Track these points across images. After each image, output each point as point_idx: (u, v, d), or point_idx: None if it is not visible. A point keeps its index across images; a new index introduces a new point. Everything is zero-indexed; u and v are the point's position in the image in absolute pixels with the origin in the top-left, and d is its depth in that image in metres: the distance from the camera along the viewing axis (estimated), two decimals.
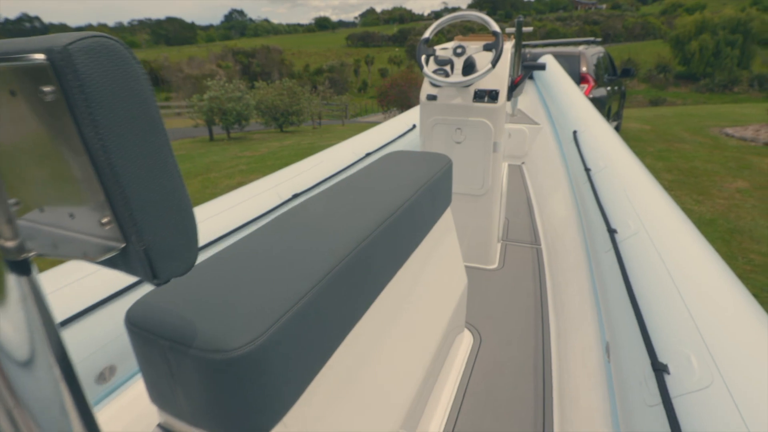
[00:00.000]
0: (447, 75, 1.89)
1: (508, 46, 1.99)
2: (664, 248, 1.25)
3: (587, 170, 2.06)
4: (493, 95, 1.88)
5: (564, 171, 2.71)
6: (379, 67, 62.23)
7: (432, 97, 1.98)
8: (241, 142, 12.16)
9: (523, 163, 3.64)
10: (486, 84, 1.90)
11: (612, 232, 1.49)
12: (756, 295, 1.64)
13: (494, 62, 1.74)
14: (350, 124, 21.16)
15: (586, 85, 5.63)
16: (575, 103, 2.96)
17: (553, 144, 3.24)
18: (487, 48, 1.80)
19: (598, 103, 5.85)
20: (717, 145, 7.57)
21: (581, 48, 6.13)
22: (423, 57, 1.88)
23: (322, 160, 2.34)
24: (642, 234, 1.37)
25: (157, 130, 0.37)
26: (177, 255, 0.40)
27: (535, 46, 7.11)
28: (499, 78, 1.90)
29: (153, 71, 49.66)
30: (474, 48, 1.87)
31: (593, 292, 1.54)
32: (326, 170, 2.27)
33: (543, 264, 2.22)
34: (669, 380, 0.82)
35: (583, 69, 5.73)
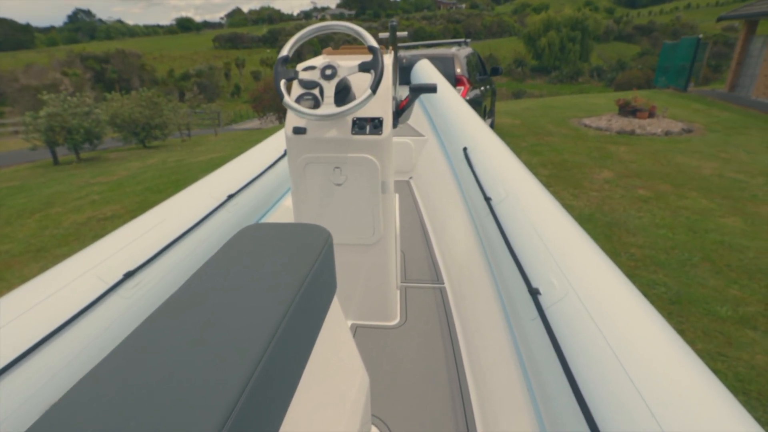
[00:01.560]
0: (316, 103, 1.46)
1: (389, 62, 1.62)
2: (605, 321, 0.99)
3: (487, 199, 1.79)
4: (376, 124, 1.50)
5: (458, 190, 2.45)
6: (252, 69, 59.80)
7: (300, 130, 1.53)
8: (94, 164, 10.56)
9: (410, 178, 3.36)
10: (366, 111, 1.52)
11: (535, 293, 1.20)
12: (645, 293, 1.60)
13: (374, 87, 1.36)
14: (224, 132, 19.81)
15: (462, 87, 5.58)
16: (461, 115, 2.72)
17: (441, 158, 2.99)
18: (363, 68, 1.41)
19: (475, 103, 5.87)
20: (579, 136, 8.14)
21: (453, 49, 6.10)
22: (282, 82, 1.41)
23: (165, 216, 1.75)
24: (572, 298, 1.10)
25: None
26: None
27: (409, 47, 6.99)
28: (381, 102, 1.53)
29: None
30: (347, 66, 1.46)
31: (521, 369, 1.23)
32: (173, 228, 1.70)
33: (450, 312, 1.91)
34: None
35: (458, 71, 5.68)
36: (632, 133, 8.15)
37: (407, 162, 3.35)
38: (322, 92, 1.44)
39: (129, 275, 1.41)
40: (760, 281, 3.17)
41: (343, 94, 1.47)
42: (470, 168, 2.11)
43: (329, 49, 1.82)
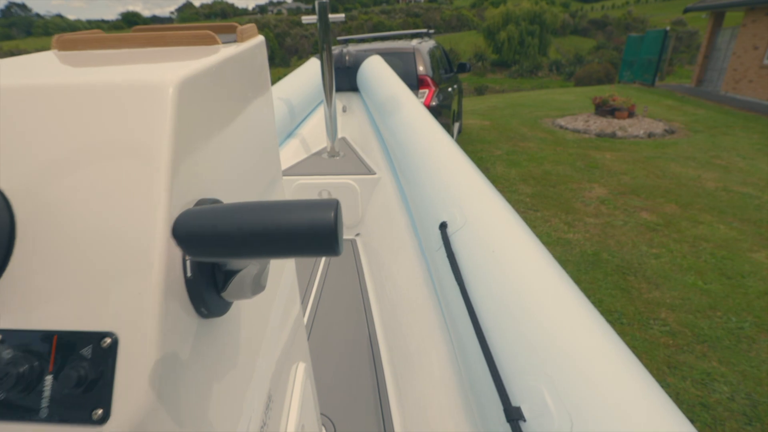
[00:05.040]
0: None
1: (166, 96, 0.39)
2: None
3: (482, 340, 0.76)
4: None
5: (431, 291, 1.40)
6: None
7: None
8: None
9: (357, 235, 2.28)
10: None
11: None
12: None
13: None
14: None
15: (426, 90, 4.53)
16: (431, 155, 1.66)
17: (401, 211, 1.93)
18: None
19: (443, 108, 4.84)
20: (557, 140, 7.26)
21: (414, 42, 5.03)
22: None
23: None
24: None
25: None
26: None
27: (361, 40, 5.90)
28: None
29: None
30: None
31: None
32: None
33: None
34: None
35: (420, 69, 4.62)
36: (613, 135, 7.35)
37: (352, 212, 2.27)
38: None
39: None
40: None
41: None
42: (457, 283, 1.05)
43: (139, 26, 0.68)
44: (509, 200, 4.71)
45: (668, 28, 12.92)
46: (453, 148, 1.65)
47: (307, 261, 2.18)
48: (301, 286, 1.94)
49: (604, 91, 10.67)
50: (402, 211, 1.95)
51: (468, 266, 1.09)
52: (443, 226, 1.27)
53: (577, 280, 3.26)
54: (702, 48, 13.26)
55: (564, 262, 3.36)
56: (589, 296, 2.96)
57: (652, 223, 4.00)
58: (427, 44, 5.27)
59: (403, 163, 1.88)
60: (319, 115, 2.96)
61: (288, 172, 2.30)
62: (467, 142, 7.19)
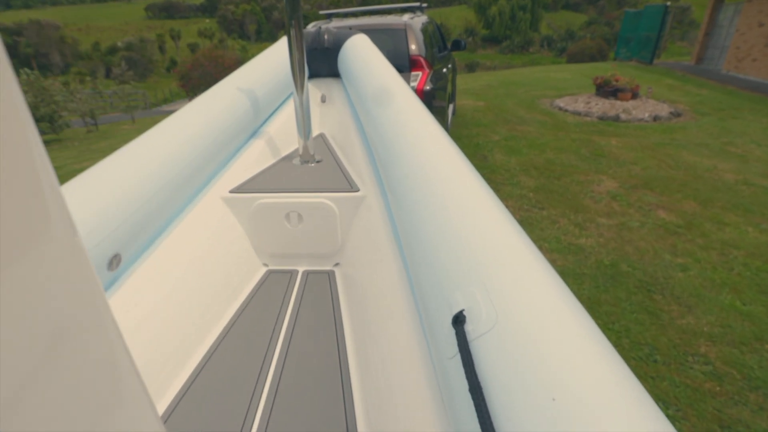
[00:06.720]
0: None
1: None
2: None
3: None
4: None
5: (421, 352, 0.92)
6: (189, 41, 55.36)
7: None
8: None
9: (336, 264, 1.80)
10: None
11: None
12: None
13: None
14: (147, 117, 17.36)
15: (419, 73, 3.99)
16: (437, 183, 1.16)
17: (389, 241, 1.44)
18: None
19: (438, 91, 4.31)
20: (557, 123, 6.77)
21: (406, 18, 4.46)
22: None
23: None
24: None
25: None
26: None
27: (347, 15, 5.31)
28: None
29: None
30: None
31: None
32: None
33: None
34: None
35: (413, 48, 4.06)
36: (617, 119, 6.87)
37: (330, 239, 1.77)
38: None
39: None
40: None
41: None
42: (463, 358, 0.58)
43: None
44: (511, 195, 4.07)
45: (668, 3, 12.33)
46: (466, 173, 1.14)
47: (276, 290, 1.70)
48: (267, 324, 1.47)
49: (601, 69, 10.15)
50: (391, 240, 1.45)
51: (504, 421, 0.60)
52: (459, 321, 0.77)
53: (598, 301, 2.83)
54: (703, 25, 12.73)
55: (580, 275, 2.91)
56: (613, 323, 2.51)
57: (671, 224, 3.56)
58: (420, 19, 4.70)
59: (395, 186, 1.38)
60: (292, 108, 2.44)
61: (246, 187, 1.79)
62: (462, 126, 6.67)
